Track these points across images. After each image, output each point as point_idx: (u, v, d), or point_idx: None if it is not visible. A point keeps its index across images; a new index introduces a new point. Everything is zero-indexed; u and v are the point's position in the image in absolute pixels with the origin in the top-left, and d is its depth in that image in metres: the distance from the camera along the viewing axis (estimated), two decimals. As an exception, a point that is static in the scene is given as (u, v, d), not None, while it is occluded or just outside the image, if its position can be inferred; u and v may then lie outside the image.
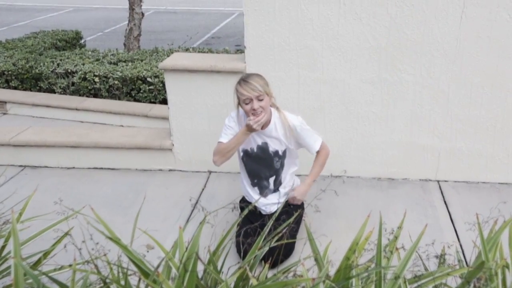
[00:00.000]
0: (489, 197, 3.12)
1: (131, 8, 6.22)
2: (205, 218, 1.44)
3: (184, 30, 10.39)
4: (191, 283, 1.31)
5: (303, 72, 3.18)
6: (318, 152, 2.64)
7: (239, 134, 2.45)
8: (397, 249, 1.41)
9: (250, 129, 2.37)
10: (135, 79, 4.93)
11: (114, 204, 3.16)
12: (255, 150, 2.56)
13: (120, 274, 1.55)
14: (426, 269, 1.51)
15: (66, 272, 1.78)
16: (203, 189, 3.34)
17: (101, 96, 5.11)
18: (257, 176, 2.63)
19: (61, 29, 7.09)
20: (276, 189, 2.64)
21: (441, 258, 1.52)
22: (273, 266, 2.36)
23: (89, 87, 5.09)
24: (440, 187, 3.27)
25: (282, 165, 2.61)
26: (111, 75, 4.98)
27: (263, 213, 2.64)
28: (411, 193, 3.20)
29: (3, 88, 5.40)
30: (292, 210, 2.60)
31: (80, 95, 5.17)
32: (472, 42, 2.97)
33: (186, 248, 1.38)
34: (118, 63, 5.39)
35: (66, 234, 1.80)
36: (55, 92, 5.27)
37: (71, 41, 6.68)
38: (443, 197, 3.15)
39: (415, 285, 1.26)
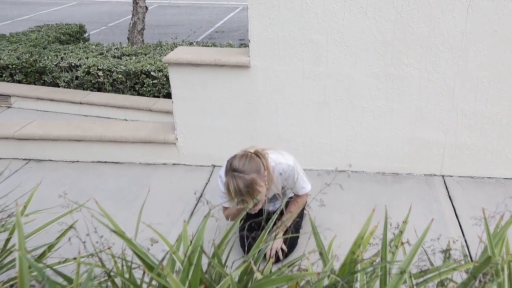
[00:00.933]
0: (495, 192, 3.11)
1: (135, 2, 6.20)
2: (209, 212, 1.44)
3: (188, 24, 10.36)
4: (195, 277, 1.31)
5: (308, 66, 3.16)
6: (297, 196, 2.48)
7: (240, 209, 2.26)
8: (402, 243, 1.40)
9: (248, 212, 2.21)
10: (139, 73, 4.92)
11: (118, 197, 3.17)
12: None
13: (124, 268, 1.55)
14: (431, 264, 1.50)
15: (70, 265, 1.78)
16: (207, 183, 3.34)
17: (105, 90, 5.11)
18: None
19: (65, 22, 7.08)
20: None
21: (447, 253, 1.52)
22: (276, 260, 2.36)
23: (93, 81, 5.08)
24: (445, 182, 3.25)
25: (284, 193, 2.51)
26: (115, 69, 4.97)
27: (267, 208, 2.63)
28: (415, 188, 3.18)
29: (8, 81, 5.41)
30: (298, 223, 2.60)
31: (84, 89, 5.17)
32: (479, 36, 2.94)
33: (191, 242, 1.38)
34: (122, 57, 5.38)
35: (71, 227, 1.80)
36: (59, 86, 5.27)
37: (75, 35, 6.68)
38: (448, 192, 3.13)
39: (421, 279, 1.26)
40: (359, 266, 1.28)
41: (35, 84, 5.37)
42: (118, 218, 1.69)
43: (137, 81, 4.97)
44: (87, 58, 5.27)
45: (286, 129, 3.37)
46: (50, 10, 12.64)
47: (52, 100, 4.94)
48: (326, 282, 1.29)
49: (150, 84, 4.91)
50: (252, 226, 2.39)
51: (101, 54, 5.52)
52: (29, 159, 3.75)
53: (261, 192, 2.12)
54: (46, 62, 5.24)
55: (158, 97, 4.95)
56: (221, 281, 1.45)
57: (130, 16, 6.39)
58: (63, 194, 2.85)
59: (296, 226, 2.52)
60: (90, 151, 3.69)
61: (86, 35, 7.07)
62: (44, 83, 5.35)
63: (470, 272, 1.29)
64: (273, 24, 3.07)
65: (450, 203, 2.99)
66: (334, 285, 1.23)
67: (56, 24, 6.91)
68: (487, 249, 1.41)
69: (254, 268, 1.27)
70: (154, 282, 1.50)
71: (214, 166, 3.56)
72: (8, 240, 1.82)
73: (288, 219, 2.40)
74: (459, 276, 1.48)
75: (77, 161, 3.72)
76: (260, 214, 2.52)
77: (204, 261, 1.45)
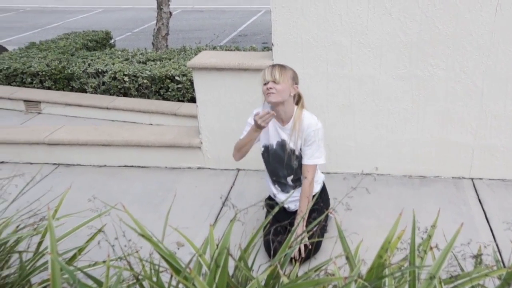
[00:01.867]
0: (527, 196, 3.02)
1: (159, 8, 6.30)
2: (236, 216, 1.44)
3: (211, 28, 10.45)
4: (222, 280, 1.32)
5: (332, 69, 3.14)
6: (303, 174, 2.48)
7: (250, 130, 2.45)
8: (431, 248, 1.37)
9: (257, 125, 2.35)
10: (164, 78, 4.99)
11: (144, 201, 3.21)
12: (274, 146, 2.54)
13: (152, 271, 1.57)
14: (462, 269, 1.47)
15: (99, 268, 1.82)
16: (231, 187, 3.35)
17: (131, 95, 5.20)
18: (275, 174, 2.61)
19: (92, 29, 7.25)
20: (296, 186, 2.62)
21: (478, 258, 1.48)
22: (300, 262, 2.35)
23: (119, 86, 5.18)
24: (474, 185, 3.18)
25: (300, 165, 2.53)
26: (140, 74, 5.06)
27: (289, 210, 2.63)
28: (443, 191, 3.12)
29: (38, 88, 5.57)
30: (323, 208, 2.58)
31: (110, 94, 5.28)
32: (508, 35, 2.86)
33: (217, 246, 1.38)
34: (147, 62, 5.47)
35: (100, 230, 1.84)
36: (86, 92, 5.39)
37: (101, 41, 6.83)
38: (478, 195, 3.06)
39: (451, 285, 1.23)
40: (386, 271, 1.27)
41: (63, 90, 5.51)
42: (144, 222, 1.72)
43: (162, 85, 5.05)
44: (113, 64, 5.38)
45: (310, 132, 3.36)
46: (77, 17, 12.96)
47: (80, 105, 5.06)
48: (353, 286, 1.27)
49: (174, 88, 4.98)
50: (278, 230, 2.39)
51: (126, 59, 5.62)
52: (59, 164, 3.85)
53: (284, 83, 2.36)
54: (74, 68, 5.37)
55: (183, 101, 5.01)
56: (248, 285, 1.46)
57: (155, 21, 6.50)
58: (92, 198, 2.91)
59: (322, 229, 2.51)
60: (117, 155, 3.76)
61: (112, 41, 7.21)
62: (72, 89, 5.49)
63: (503, 279, 1.25)
64: (297, 27, 3.07)
65: (480, 207, 2.91)
66: (361, 290, 1.22)
67: (83, 31, 7.08)
68: (520, 255, 1.37)
69: (281, 272, 1.27)
70: (181, 286, 1.52)
71: (238, 170, 3.58)
72: (40, 243, 1.87)
73: (303, 211, 2.43)
74: (491, 283, 1.44)
75: (105, 166, 3.79)
76: (283, 217, 2.52)
77: (230, 265, 1.45)
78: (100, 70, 5.30)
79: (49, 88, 5.54)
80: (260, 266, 1.58)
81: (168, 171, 3.66)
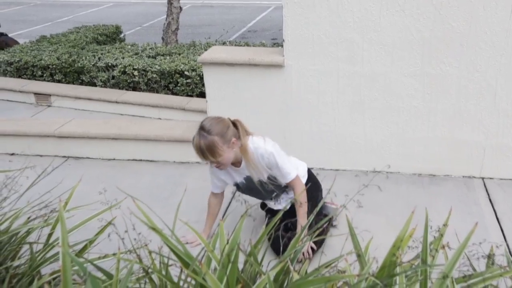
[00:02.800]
0: (538, 196, 2.98)
1: (170, 3, 6.29)
2: (246, 211, 1.44)
3: (221, 24, 10.43)
4: (232, 275, 1.32)
5: (343, 66, 3.12)
6: (292, 189, 2.44)
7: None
8: (443, 247, 1.36)
9: None
10: (173, 72, 4.99)
11: (153, 195, 3.22)
12: (244, 182, 2.49)
13: (161, 265, 1.57)
14: (473, 269, 1.45)
15: (107, 261, 1.82)
16: (240, 182, 3.35)
17: (140, 89, 5.21)
18: (254, 197, 2.61)
19: (102, 23, 7.26)
20: (283, 193, 2.58)
21: (490, 258, 1.46)
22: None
23: (128, 81, 5.19)
24: (485, 184, 3.15)
25: (277, 185, 2.46)
26: (149, 68, 5.06)
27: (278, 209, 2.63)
28: (454, 190, 3.09)
29: (48, 81, 5.60)
30: (315, 196, 2.57)
31: (119, 88, 5.29)
32: (523, 34, 2.83)
33: (228, 241, 1.38)
34: (157, 57, 5.47)
35: (109, 223, 1.84)
36: (96, 85, 5.41)
37: (111, 36, 6.84)
38: (488, 195, 3.03)
39: (464, 285, 1.22)
40: (398, 269, 1.26)
41: (73, 84, 5.53)
42: (153, 216, 1.72)
43: (171, 80, 5.05)
44: (123, 58, 5.39)
45: (319, 129, 3.34)
46: (87, 11, 13.00)
47: (89, 99, 5.08)
48: (363, 284, 1.27)
49: (183, 83, 4.98)
50: (288, 226, 2.39)
51: (136, 54, 5.63)
52: (68, 157, 3.86)
53: (222, 156, 2.23)
54: (84, 62, 5.39)
55: (192, 96, 5.00)
56: (257, 281, 1.46)
57: (164, 16, 6.50)
58: (103, 191, 2.92)
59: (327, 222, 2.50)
60: (126, 149, 3.77)
61: (122, 35, 7.22)
62: (82, 83, 5.50)
63: (516, 279, 1.24)
64: (308, 23, 3.05)
65: (491, 207, 2.89)
66: (372, 287, 1.21)
67: (94, 25, 7.10)
68: (534, 256, 1.35)
69: (291, 267, 1.26)
70: (189, 279, 1.52)
71: (247, 165, 3.57)
72: (50, 235, 1.88)
73: (304, 218, 2.38)
74: (503, 283, 1.43)
75: (114, 159, 3.81)
76: (275, 213, 2.53)
77: (239, 260, 1.45)
78: (110, 64, 5.31)
79: (59, 81, 5.56)
80: (270, 261, 1.57)
81: (176, 166, 3.66)
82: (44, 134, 3.82)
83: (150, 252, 1.57)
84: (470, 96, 3.04)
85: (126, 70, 5.13)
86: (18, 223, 1.87)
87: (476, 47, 2.90)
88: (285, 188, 2.51)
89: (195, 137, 2.25)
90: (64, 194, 2.10)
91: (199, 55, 5.31)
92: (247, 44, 5.81)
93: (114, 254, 1.73)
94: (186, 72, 4.92)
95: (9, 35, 7.19)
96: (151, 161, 3.76)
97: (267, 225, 1.50)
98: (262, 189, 2.45)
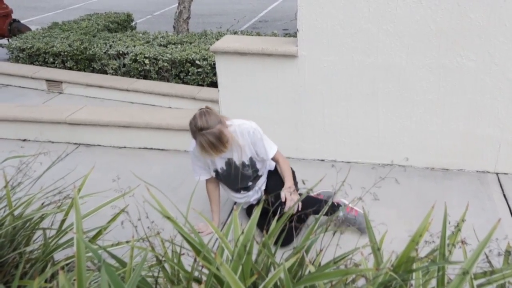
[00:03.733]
0: (554, 193, 2.94)
1: (181, -9, 6.25)
2: (262, 200, 1.42)
3: (231, 13, 10.36)
4: (247, 266, 1.30)
5: (357, 57, 3.08)
6: (276, 162, 2.58)
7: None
8: (463, 242, 1.34)
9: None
10: (184, 61, 4.97)
11: (163, 184, 3.22)
12: (224, 167, 2.52)
13: (173, 253, 1.57)
14: (491, 265, 1.43)
15: (119, 249, 1.82)
16: (250, 173, 3.33)
17: (151, 78, 5.20)
18: (232, 187, 2.63)
19: (113, 11, 7.25)
20: (258, 179, 2.65)
21: (507, 255, 1.44)
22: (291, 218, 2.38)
23: (139, 69, 5.19)
24: (499, 179, 3.10)
25: (255, 170, 2.56)
26: (160, 57, 5.04)
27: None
28: (467, 185, 3.05)
29: (59, 68, 5.61)
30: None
31: (130, 76, 5.29)
32: (543, 27, 2.76)
33: (243, 231, 1.37)
34: (168, 46, 5.45)
35: (122, 210, 1.84)
36: (107, 73, 5.41)
37: (123, 23, 6.82)
38: (503, 190, 2.99)
39: (483, 280, 1.20)
40: (416, 264, 1.24)
41: (84, 71, 5.54)
42: (165, 204, 1.72)
43: (182, 69, 5.03)
44: (134, 46, 5.38)
45: (332, 120, 3.31)
46: (98, -1, 12.97)
47: (100, 86, 5.08)
48: (380, 278, 1.25)
49: (194, 72, 4.96)
50: (301, 218, 2.37)
51: (147, 42, 5.61)
52: (79, 144, 3.87)
53: (228, 140, 2.29)
54: (95, 49, 5.39)
55: (202, 85, 4.99)
56: (270, 271, 1.44)
57: (175, 5, 6.46)
58: (116, 179, 2.93)
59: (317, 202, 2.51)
60: (137, 137, 3.77)
61: (133, 23, 7.21)
62: (93, 70, 5.51)
63: (536, 277, 1.21)
64: (323, 13, 3.01)
65: (505, 202, 2.85)
66: (388, 282, 1.19)
67: (105, 12, 7.08)
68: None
69: (307, 260, 1.25)
70: (202, 269, 1.51)
71: (257, 156, 3.55)
72: (63, 221, 1.88)
73: (289, 180, 2.48)
74: (521, 280, 1.40)
75: (125, 147, 3.81)
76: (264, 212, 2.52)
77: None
78: (121, 52, 5.30)
79: (70, 68, 5.57)
80: (284, 253, 1.56)
81: (187, 155, 3.64)
82: (56, 121, 3.83)
83: (162, 241, 1.57)
84: (486, 89, 2.99)
85: (137, 58, 5.12)
86: (31, 208, 1.88)
87: (495, 39, 2.84)
88: (260, 175, 2.60)
89: (202, 140, 2.24)
90: (77, 181, 2.10)
91: (210, 45, 5.28)
92: (258, 34, 5.77)
93: (127, 242, 1.73)
94: (197, 61, 4.90)
95: (21, 21, 7.20)
96: (161, 149, 3.75)
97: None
98: (242, 175, 2.51)
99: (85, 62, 5.49)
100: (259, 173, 2.60)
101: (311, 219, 2.59)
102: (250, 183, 2.60)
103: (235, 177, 2.54)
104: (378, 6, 2.91)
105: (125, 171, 3.40)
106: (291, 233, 2.37)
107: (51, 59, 5.60)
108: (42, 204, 1.86)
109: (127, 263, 1.44)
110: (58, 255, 1.80)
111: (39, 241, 1.83)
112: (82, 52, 5.43)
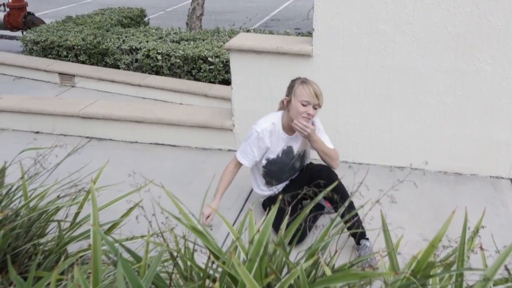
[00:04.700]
0: None
1: (195, -12, 6.25)
2: (279, 199, 1.42)
3: (244, 11, 10.35)
4: (262, 265, 1.30)
5: (372, 58, 3.06)
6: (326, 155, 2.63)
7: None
8: (481, 248, 1.32)
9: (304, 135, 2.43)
10: (196, 58, 4.97)
11: (174, 180, 3.22)
12: (280, 155, 2.57)
13: (186, 250, 1.56)
14: (509, 273, 1.41)
15: (132, 243, 1.82)
16: (261, 171, 3.32)
17: (163, 74, 5.21)
18: (277, 179, 2.65)
19: (127, 6, 7.27)
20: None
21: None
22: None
23: (151, 64, 5.19)
24: (513, 186, 3.08)
25: (302, 165, 2.68)
26: (173, 53, 5.05)
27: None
28: (480, 190, 3.03)
29: (72, 62, 5.63)
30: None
31: (142, 72, 5.30)
32: None
33: (258, 230, 1.36)
34: (180, 42, 5.45)
35: (136, 205, 1.84)
36: (119, 68, 5.42)
37: (136, 19, 6.84)
38: (516, 197, 2.96)
39: (503, 286, 1.18)
40: (435, 270, 1.22)
41: (97, 65, 5.55)
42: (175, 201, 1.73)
43: (194, 66, 5.03)
44: (147, 41, 5.39)
45: (345, 121, 3.30)
46: (111, -6, 13.01)
47: (113, 81, 5.10)
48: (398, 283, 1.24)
49: (206, 69, 4.96)
50: (316, 217, 2.38)
51: (160, 38, 5.62)
52: (92, 137, 3.89)
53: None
54: (108, 44, 5.40)
55: (214, 83, 4.99)
56: (283, 272, 1.44)
57: (187, 1, 6.46)
58: (132, 173, 2.94)
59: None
60: (149, 132, 3.77)
61: (146, 19, 7.22)
62: (105, 65, 5.52)
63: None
64: (339, 13, 2.99)
65: (519, 209, 2.82)
66: (407, 286, 1.18)
67: (119, 7, 7.10)
68: None
69: (323, 262, 1.24)
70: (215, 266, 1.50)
71: (269, 154, 3.54)
72: (77, 214, 1.89)
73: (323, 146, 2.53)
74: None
75: (136, 142, 3.82)
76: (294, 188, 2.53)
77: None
78: (134, 47, 5.31)
79: (83, 62, 5.59)
80: (298, 253, 1.55)
81: (198, 151, 3.66)
82: (68, 114, 3.84)
83: (175, 237, 1.57)
84: (503, 94, 2.95)
85: (150, 54, 5.13)
86: (46, 200, 1.88)
87: (513, 44, 2.81)
88: (299, 171, 2.68)
89: (310, 85, 2.40)
90: (92, 174, 2.10)
91: (223, 42, 5.28)
92: (271, 33, 5.75)
93: (142, 237, 1.73)
94: (209, 59, 4.89)
95: (36, 14, 7.24)
96: (173, 145, 3.76)
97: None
98: (292, 165, 2.59)
99: (98, 56, 5.51)
100: (300, 169, 2.69)
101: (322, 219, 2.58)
102: (293, 176, 2.68)
103: (283, 168, 2.60)
104: (396, 7, 2.88)
105: (136, 166, 3.41)
106: (305, 230, 2.37)
107: (65, 53, 5.63)
108: (58, 196, 1.86)
109: (141, 257, 1.44)
110: (71, 248, 1.80)
111: (53, 233, 1.84)
112: (95, 46, 5.45)
